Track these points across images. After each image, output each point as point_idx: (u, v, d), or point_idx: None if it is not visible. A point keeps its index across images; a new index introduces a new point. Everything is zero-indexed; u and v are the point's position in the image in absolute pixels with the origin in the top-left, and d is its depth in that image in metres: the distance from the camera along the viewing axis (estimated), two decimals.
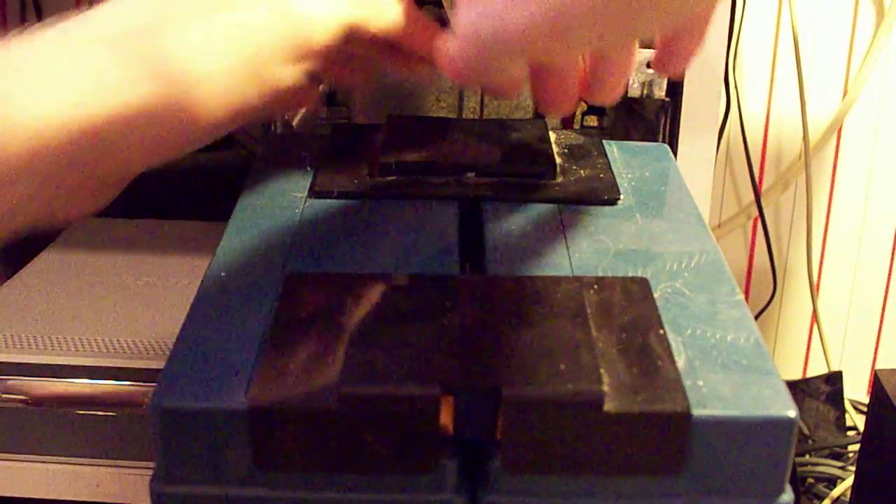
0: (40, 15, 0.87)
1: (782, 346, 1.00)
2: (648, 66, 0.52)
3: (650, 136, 0.55)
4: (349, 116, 0.54)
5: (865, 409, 0.74)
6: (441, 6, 0.50)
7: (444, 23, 0.52)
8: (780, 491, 0.28)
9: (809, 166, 0.90)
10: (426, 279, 0.33)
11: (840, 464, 0.85)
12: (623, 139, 0.47)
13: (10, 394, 0.57)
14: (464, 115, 0.56)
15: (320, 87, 0.45)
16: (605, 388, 0.27)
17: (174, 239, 0.74)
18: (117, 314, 0.62)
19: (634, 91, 0.54)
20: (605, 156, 0.43)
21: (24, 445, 0.58)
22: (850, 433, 0.90)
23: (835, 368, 0.94)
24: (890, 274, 0.97)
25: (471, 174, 0.41)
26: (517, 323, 0.30)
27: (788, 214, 0.96)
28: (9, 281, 0.67)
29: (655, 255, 0.35)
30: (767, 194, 0.95)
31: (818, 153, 0.93)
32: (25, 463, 0.58)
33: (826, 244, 0.97)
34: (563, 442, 0.27)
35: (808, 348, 1.01)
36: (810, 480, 0.84)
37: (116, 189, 0.38)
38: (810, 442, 0.88)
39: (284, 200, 0.39)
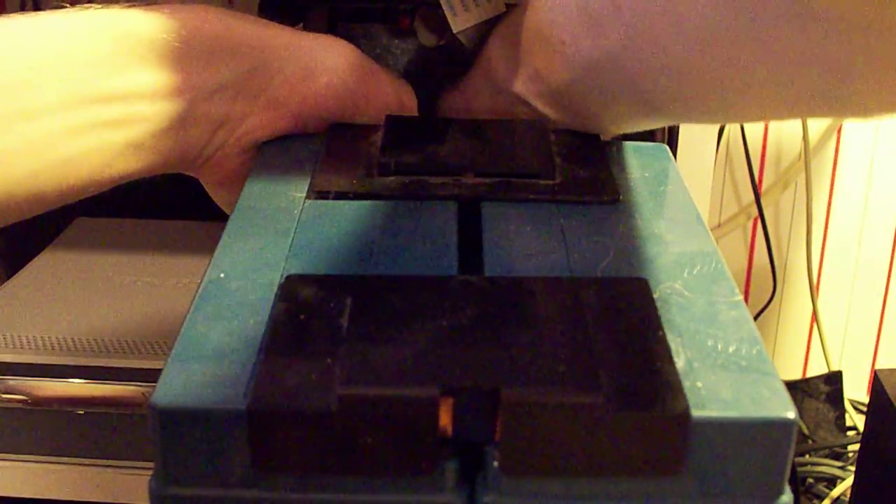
0: None
1: (782, 346, 1.00)
2: None
3: (650, 136, 0.55)
4: None
5: (865, 409, 0.74)
6: (439, 7, 0.50)
7: (442, 25, 0.52)
8: (780, 492, 0.28)
9: (809, 166, 0.90)
10: (425, 280, 0.33)
11: (840, 464, 0.85)
12: (623, 139, 0.47)
13: (10, 394, 0.57)
14: None
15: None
16: (604, 389, 0.27)
17: (174, 239, 0.74)
18: (117, 314, 0.62)
19: None
20: (605, 156, 0.43)
21: (24, 445, 0.58)
22: (850, 433, 0.90)
23: (835, 368, 0.94)
24: (890, 274, 0.97)
25: (470, 174, 0.41)
26: (516, 324, 0.30)
27: (788, 214, 0.96)
28: (9, 281, 0.67)
29: (655, 256, 0.35)
30: (767, 194, 0.95)
31: (818, 153, 0.93)
32: (25, 463, 0.58)
33: (826, 244, 0.97)
34: (561, 443, 0.27)
35: (808, 348, 1.01)
36: (810, 480, 0.84)
37: None
38: (810, 442, 0.88)
39: (283, 201, 0.39)
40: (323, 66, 0.45)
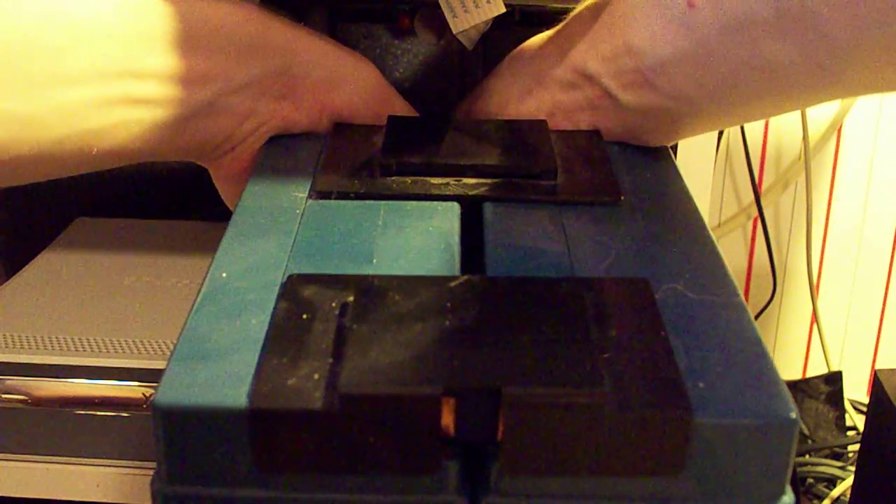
0: None
1: (782, 346, 1.01)
2: None
3: None
4: None
5: (865, 409, 0.74)
6: (439, 8, 0.50)
7: (442, 26, 0.52)
8: (781, 492, 0.28)
9: (809, 166, 0.90)
10: (427, 280, 0.33)
11: (840, 464, 0.85)
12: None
13: (10, 394, 0.57)
14: None
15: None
16: (606, 389, 0.27)
17: (174, 239, 0.74)
18: (117, 314, 0.62)
19: None
20: (606, 156, 0.43)
21: (24, 445, 0.58)
22: (850, 433, 0.90)
23: (835, 368, 0.95)
24: (890, 274, 0.97)
25: (472, 175, 0.41)
26: (518, 324, 0.30)
27: (788, 214, 0.96)
28: (9, 281, 0.67)
29: (656, 256, 0.35)
30: (767, 194, 0.95)
31: (818, 153, 0.93)
32: (25, 463, 0.58)
33: (826, 244, 0.97)
34: (563, 443, 0.27)
35: (808, 348, 1.01)
36: (810, 480, 0.84)
37: None
38: (810, 442, 0.88)
39: (285, 201, 0.39)
40: (348, 83, 0.46)
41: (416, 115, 0.50)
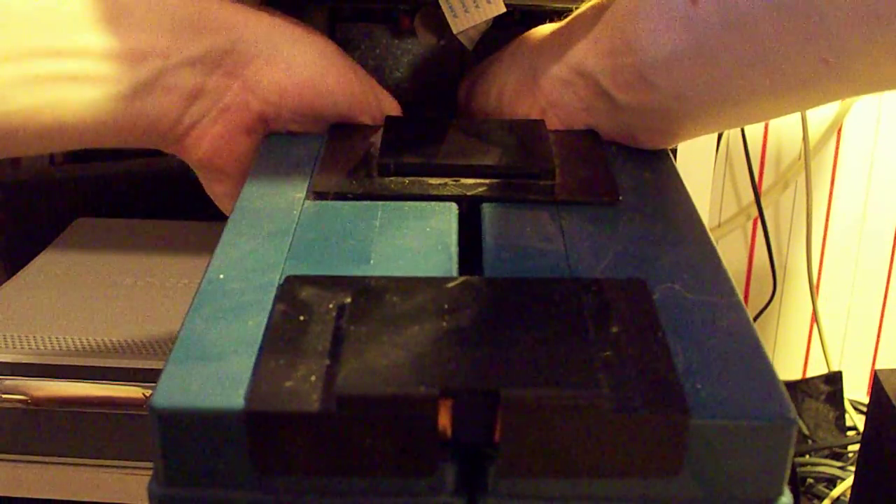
0: None
1: (782, 346, 1.00)
2: None
3: None
4: None
5: (865, 409, 0.74)
6: (439, 8, 0.50)
7: (442, 26, 0.52)
8: (779, 494, 0.28)
9: (809, 166, 0.90)
10: (424, 281, 0.33)
11: (840, 464, 0.85)
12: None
13: (10, 394, 0.57)
14: None
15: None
16: (604, 390, 0.27)
17: (174, 239, 0.74)
18: (117, 314, 0.62)
19: None
20: (604, 156, 0.43)
21: (24, 445, 0.58)
22: (850, 433, 0.90)
23: (835, 368, 0.94)
24: (890, 274, 0.97)
25: (469, 175, 0.41)
26: (515, 325, 0.30)
27: (788, 214, 0.96)
28: (9, 281, 0.67)
29: (654, 257, 0.35)
30: (767, 194, 0.95)
31: (818, 153, 0.93)
32: (25, 463, 0.58)
33: (826, 244, 0.97)
34: (561, 444, 0.27)
35: (808, 348, 1.01)
36: (810, 480, 0.84)
37: None
38: (810, 442, 0.88)
39: (283, 201, 0.39)
40: (305, 62, 0.44)
41: (384, 92, 0.49)
